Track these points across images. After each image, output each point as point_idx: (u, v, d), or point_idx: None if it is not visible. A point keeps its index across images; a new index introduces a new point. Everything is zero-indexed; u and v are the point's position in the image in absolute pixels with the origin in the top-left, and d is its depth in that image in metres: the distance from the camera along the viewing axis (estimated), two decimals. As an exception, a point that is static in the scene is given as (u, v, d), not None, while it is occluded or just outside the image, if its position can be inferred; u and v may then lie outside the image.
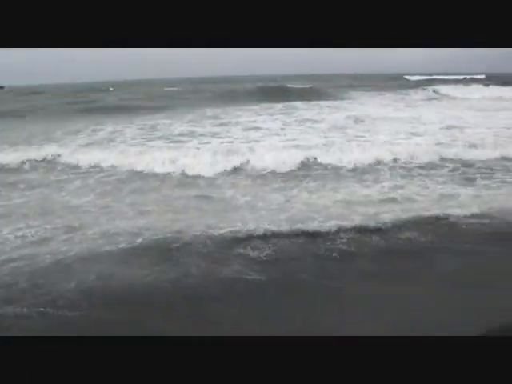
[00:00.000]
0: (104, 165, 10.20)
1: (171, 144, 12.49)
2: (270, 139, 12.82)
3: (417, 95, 30.84)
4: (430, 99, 27.87)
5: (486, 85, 37.44)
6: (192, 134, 14.05)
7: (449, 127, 14.36)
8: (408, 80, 52.03)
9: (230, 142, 12.40)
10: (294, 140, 12.58)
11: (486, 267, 4.85)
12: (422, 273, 4.82)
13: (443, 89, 34.70)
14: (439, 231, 5.71)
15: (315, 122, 16.51)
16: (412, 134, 13.29)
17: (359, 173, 9.17)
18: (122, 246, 5.45)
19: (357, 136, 13.01)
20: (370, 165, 9.59)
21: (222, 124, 16.30)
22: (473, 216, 6.06)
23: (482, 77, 56.67)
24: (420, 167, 9.43)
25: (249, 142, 12.33)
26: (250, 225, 5.91)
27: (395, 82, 46.20)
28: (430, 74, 65.26)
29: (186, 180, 9.15)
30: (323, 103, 24.01)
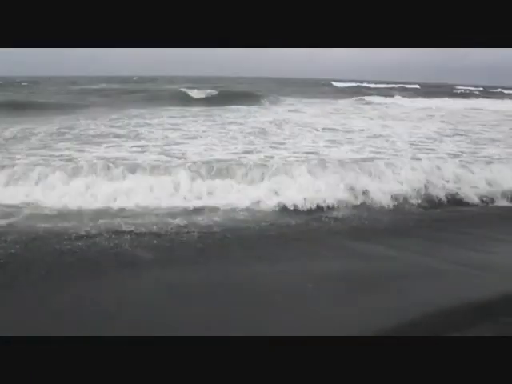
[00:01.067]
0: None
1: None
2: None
3: (345, 102, 30.65)
4: (357, 107, 27.73)
5: (417, 95, 38.53)
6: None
7: (376, 136, 14.20)
8: (335, 87, 52.20)
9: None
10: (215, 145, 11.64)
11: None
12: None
13: (372, 98, 35.10)
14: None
15: (238, 124, 15.96)
16: (334, 141, 12.82)
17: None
18: None
19: (279, 143, 12.40)
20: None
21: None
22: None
23: (416, 86, 58.20)
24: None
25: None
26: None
27: (322, 88, 46.17)
28: (361, 82, 65.78)
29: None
30: (252, 108, 23.32)
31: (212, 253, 5.26)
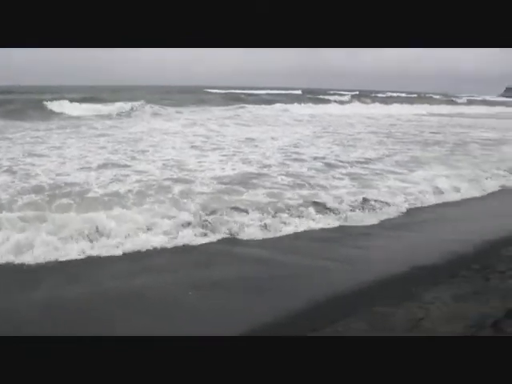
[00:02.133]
0: None
1: None
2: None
3: (221, 111, 30.41)
4: (232, 116, 27.65)
5: (299, 101, 39.50)
6: None
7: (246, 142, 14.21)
8: (210, 93, 51.49)
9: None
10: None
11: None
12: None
13: (250, 105, 35.28)
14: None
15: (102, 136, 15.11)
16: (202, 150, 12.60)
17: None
18: None
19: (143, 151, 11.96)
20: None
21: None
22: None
23: (299, 92, 59.33)
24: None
25: None
26: None
27: (196, 96, 45.45)
28: (236, 88, 65.68)
29: None
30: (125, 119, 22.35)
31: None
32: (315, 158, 11.44)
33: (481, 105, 57.04)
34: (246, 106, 35.12)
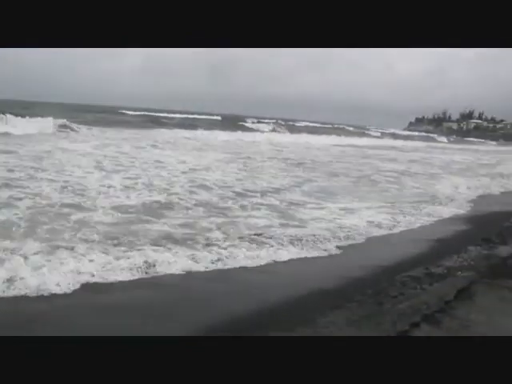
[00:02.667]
0: None
1: None
2: None
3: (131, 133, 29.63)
4: (145, 138, 27.00)
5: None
6: None
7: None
8: (126, 114, 50.48)
9: None
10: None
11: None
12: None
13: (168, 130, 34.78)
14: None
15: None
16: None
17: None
18: None
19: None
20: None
21: None
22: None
23: (218, 118, 58.99)
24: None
25: None
26: None
27: (110, 116, 44.15)
28: (150, 111, 63.75)
29: None
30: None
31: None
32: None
33: (391, 138, 60.91)
34: (162, 129, 34.80)
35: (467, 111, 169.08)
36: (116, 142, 21.50)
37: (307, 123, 70.29)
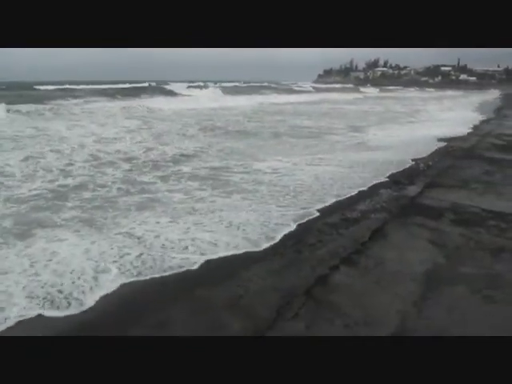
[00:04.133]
0: None
1: None
2: None
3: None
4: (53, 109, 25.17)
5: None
6: None
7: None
8: (38, 90, 46.67)
9: None
10: None
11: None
12: None
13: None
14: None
15: None
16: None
17: None
18: None
19: None
20: None
21: None
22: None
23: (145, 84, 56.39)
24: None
25: None
26: None
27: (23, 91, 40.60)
28: (63, 83, 57.41)
29: None
30: None
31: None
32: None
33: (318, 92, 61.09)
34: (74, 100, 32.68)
35: (372, 60, 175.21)
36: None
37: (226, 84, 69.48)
